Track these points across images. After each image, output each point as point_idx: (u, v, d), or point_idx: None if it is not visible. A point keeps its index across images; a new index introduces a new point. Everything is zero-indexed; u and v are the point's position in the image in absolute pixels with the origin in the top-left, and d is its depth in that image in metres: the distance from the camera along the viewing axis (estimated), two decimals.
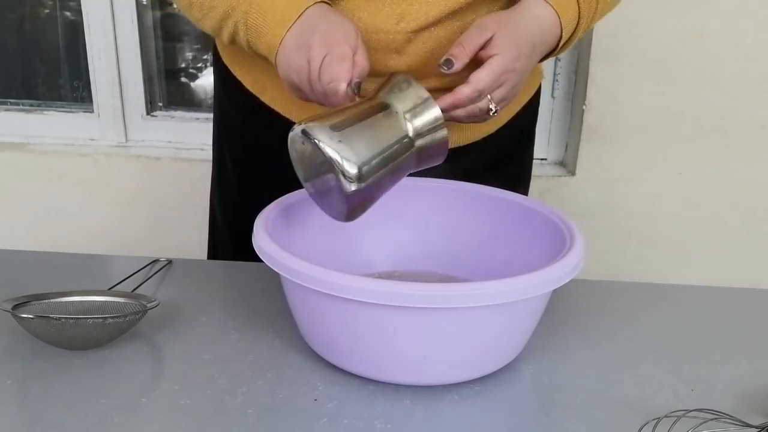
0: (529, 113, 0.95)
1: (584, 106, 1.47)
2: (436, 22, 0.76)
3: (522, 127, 0.95)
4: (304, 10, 0.70)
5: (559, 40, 0.75)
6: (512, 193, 0.77)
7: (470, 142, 0.88)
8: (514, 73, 0.70)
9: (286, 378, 0.63)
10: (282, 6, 0.71)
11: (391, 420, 0.58)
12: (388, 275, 0.78)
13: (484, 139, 0.89)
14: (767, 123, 1.44)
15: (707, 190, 1.50)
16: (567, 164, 1.56)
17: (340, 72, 0.65)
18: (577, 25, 0.76)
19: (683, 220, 1.53)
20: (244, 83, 0.88)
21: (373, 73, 0.71)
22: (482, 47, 0.70)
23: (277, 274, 0.61)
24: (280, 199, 0.73)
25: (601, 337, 0.72)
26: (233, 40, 0.75)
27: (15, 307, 0.64)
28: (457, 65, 0.68)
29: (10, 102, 1.66)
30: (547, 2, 0.74)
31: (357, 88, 0.67)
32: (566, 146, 1.57)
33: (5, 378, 0.62)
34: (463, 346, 0.60)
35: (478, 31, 0.70)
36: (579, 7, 0.75)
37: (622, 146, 1.48)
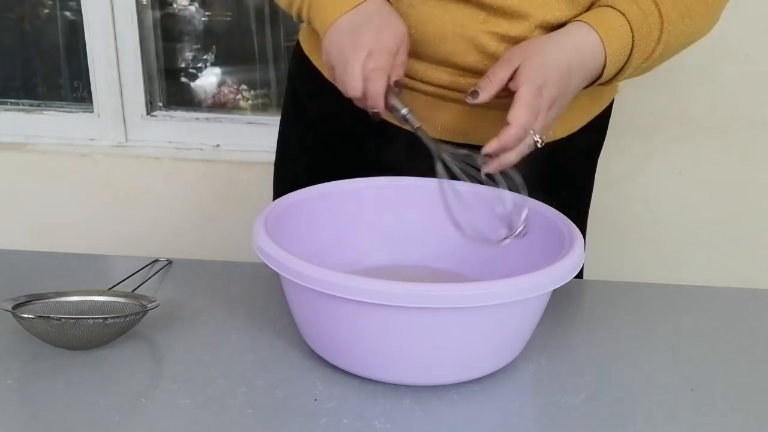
0: (597, 127, 0.93)
1: None
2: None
3: (587, 141, 0.94)
4: (363, 2, 0.73)
5: (604, 67, 0.73)
6: (512, 193, 0.77)
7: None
8: (543, 99, 0.70)
9: (286, 378, 0.63)
10: None
11: (391, 420, 0.58)
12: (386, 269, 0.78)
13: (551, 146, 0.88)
14: (767, 123, 1.44)
15: (707, 190, 1.50)
16: None
17: (381, 86, 0.70)
18: (630, 54, 0.74)
19: (683, 220, 1.52)
20: (322, 72, 0.89)
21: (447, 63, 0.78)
22: (510, 78, 0.71)
23: (277, 274, 0.61)
24: (280, 199, 0.73)
25: (601, 337, 0.72)
26: (300, 16, 0.79)
27: (15, 307, 0.64)
28: (483, 96, 0.70)
29: (10, 102, 1.66)
30: (592, 27, 0.72)
31: (399, 88, 0.73)
32: None
33: (5, 378, 0.62)
34: (463, 346, 0.60)
35: (506, 64, 0.71)
36: (632, 36, 0.73)
37: (622, 146, 1.48)
